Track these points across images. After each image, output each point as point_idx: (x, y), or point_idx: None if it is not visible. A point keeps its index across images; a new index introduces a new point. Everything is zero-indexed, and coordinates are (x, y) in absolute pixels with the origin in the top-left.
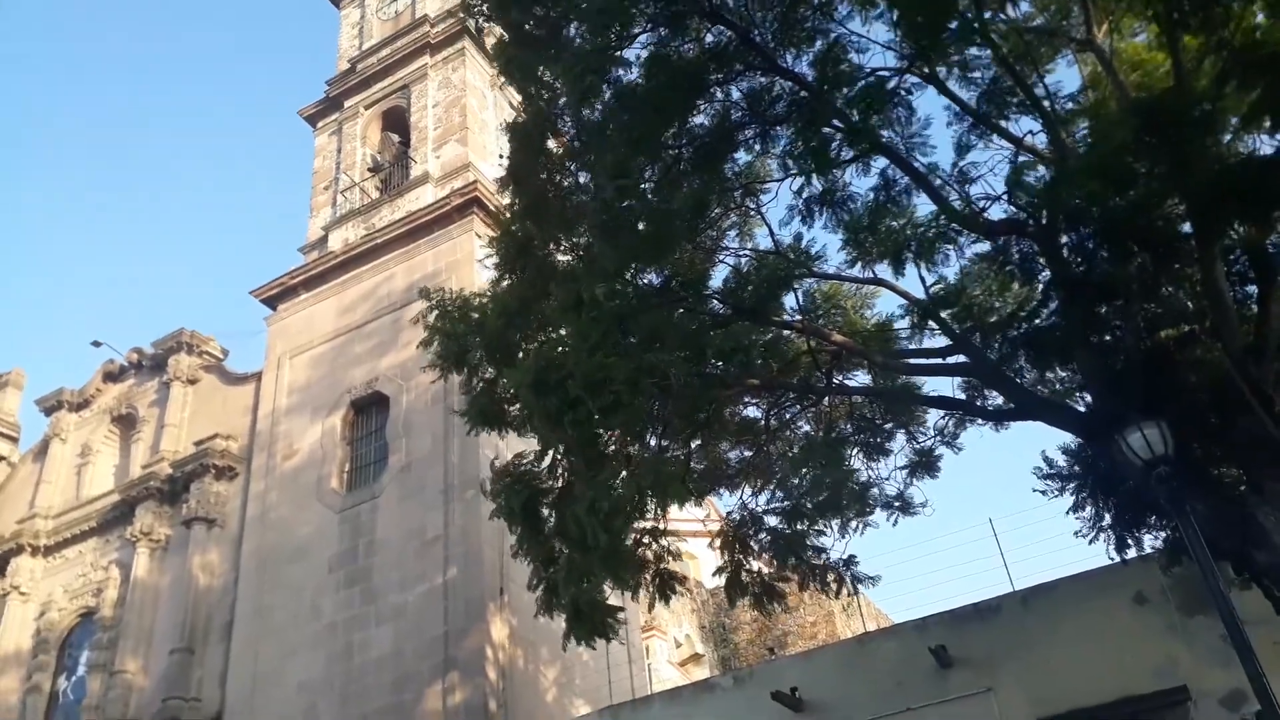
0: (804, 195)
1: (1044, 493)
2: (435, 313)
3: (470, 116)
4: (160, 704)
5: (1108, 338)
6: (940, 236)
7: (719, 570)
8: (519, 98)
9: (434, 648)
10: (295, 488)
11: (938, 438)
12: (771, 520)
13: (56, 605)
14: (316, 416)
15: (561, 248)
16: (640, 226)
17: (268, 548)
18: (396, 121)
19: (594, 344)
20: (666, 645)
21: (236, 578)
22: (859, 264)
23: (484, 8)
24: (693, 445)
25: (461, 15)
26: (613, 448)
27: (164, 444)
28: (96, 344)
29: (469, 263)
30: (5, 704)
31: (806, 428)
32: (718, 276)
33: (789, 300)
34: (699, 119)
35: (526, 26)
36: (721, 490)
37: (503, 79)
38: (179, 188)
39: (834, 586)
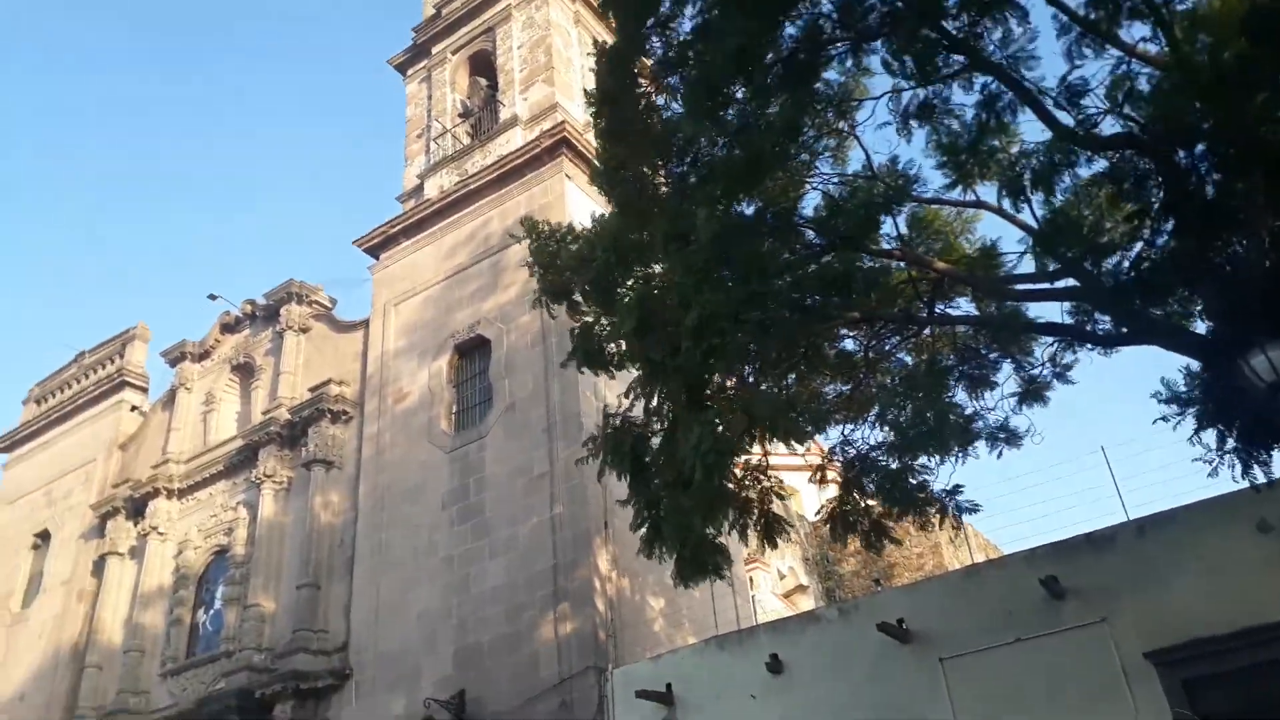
0: (901, 107)
1: (1165, 419)
2: (534, 242)
3: (555, 55)
4: (291, 635)
5: (1228, 257)
6: (1060, 165)
7: (822, 508)
8: (604, 33)
9: (544, 580)
10: (407, 429)
11: (1047, 365)
12: (874, 454)
13: (192, 544)
14: (423, 360)
15: (658, 176)
16: (733, 152)
17: (383, 487)
18: (483, 65)
19: (696, 280)
20: (770, 577)
21: (356, 516)
22: (959, 187)
23: None
24: (789, 380)
25: None
26: (709, 391)
27: (281, 390)
28: (213, 297)
29: (560, 204)
30: (152, 635)
31: (907, 359)
32: (809, 204)
33: (886, 227)
34: (788, 30)
35: None
36: (822, 426)
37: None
38: (282, 142)
39: (937, 518)
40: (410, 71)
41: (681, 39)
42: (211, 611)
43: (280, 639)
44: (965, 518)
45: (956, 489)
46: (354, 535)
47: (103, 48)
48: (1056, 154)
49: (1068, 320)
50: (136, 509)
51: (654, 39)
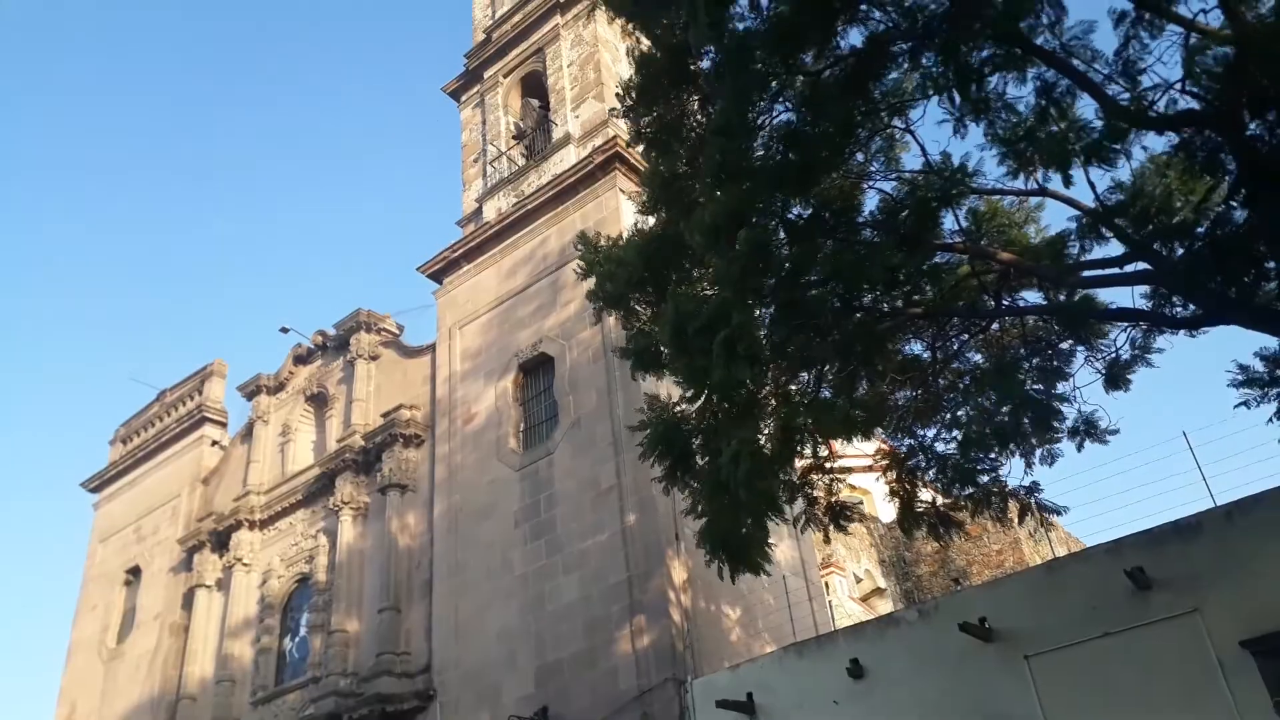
0: (954, 107)
1: (1245, 404)
2: (585, 251)
3: (605, 71)
4: (374, 658)
5: None
6: (1110, 135)
7: (890, 498)
8: (648, 43)
9: (618, 593)
10: (477, 449)
11: (1128, 347)
12: (942, 448)
13: (275, 573)
14: (489, 381)
15: (704, 183)
16: (786, 156)
17: (457, 508)
18: (535, 86)
19: (736, 284)
20: (846, 581)
21: (432, 538)
22: (1020, 175)
23: None
24: (855, 383)
25: None
26: (766, 389)
27: (354, 418)
28: (284, 330)
29: (615, 218)
30: (241, 665)
31: (976, 357)
32: (868, 204)
33: (947, 222)
34: (844, 39)
35: None
36: (891, 430)
37: (624, 19)
38: (343, 177)
39: (1016, 514)
40: (464, 97)
41: (729, 41)
42: (297, 639)
43: (364, 663)
44: (1041, 522)
45: (1035, 486)
46: (431, 557)
47: (166, 83)
48: (1107, 128)
49: (1142, 305)
50: (221, 541)
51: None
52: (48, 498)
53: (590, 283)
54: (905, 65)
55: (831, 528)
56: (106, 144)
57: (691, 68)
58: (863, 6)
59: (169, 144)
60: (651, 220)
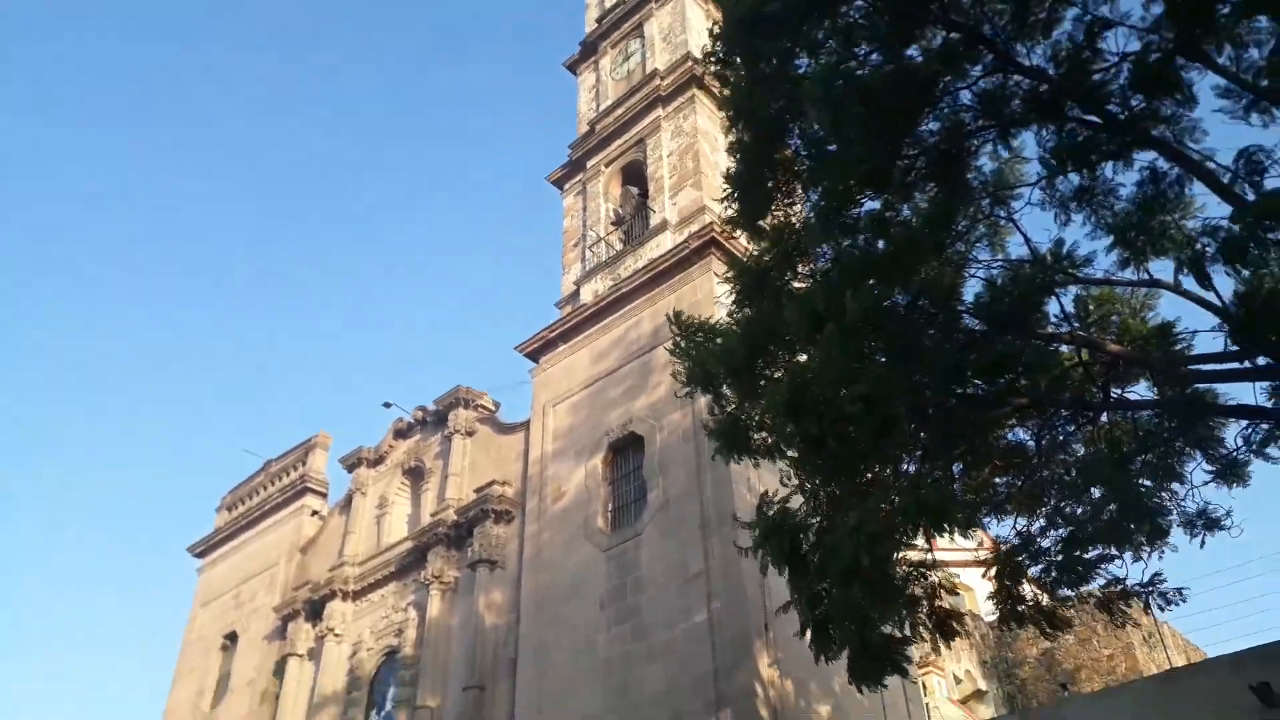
0: (1057, 194)
1: None
2: (680, 334)
3: (703, 160)
4: None
5: None
6: (1248, 238)
7: (993, 597)
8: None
9: (704, 685)
10: (565, 528)
11: (1244, 448)
12: (1048, 544)
13: (365, 645)
14: (579, 460)
15: (797, 275)
16: (882, 245)
17: (544, 587)
18: (634, 174)
19: (847, 358)
20: (945, 682)
21: (518, 617)
22: (1131, 265)
23: (718, 53)
24: (955, 471)
25: (691, 65)
26: (869, 476)
27: (449, 492)
28: (387, 405)
29: (709, 302)
30: None
31: (1083, 449)
32: (969, 292)
33: (1053, 309)
34: (930, 124)
35: (760, 65)
36: (992, 519)
37: (733, 116)
38: (451, 260)
39: (1126, 611)
40: (567, 186)
41: (813, 140)
42: (383, 713)
43: None
44: (1161, 614)
45: (1156, 577)
46: (517, 636)
47: (285, 165)
48: (1244, 228)
49: (1265, 403)
50: (315, 611)
51: (790, 137)
52: (159, 562)
53: (679, 364)
54: (1000, 153)
55: (938, 636)
56: (226, 221)
57: (785, 153)
58: (947, 101)
59: (286, 222)
60: (743, 308)
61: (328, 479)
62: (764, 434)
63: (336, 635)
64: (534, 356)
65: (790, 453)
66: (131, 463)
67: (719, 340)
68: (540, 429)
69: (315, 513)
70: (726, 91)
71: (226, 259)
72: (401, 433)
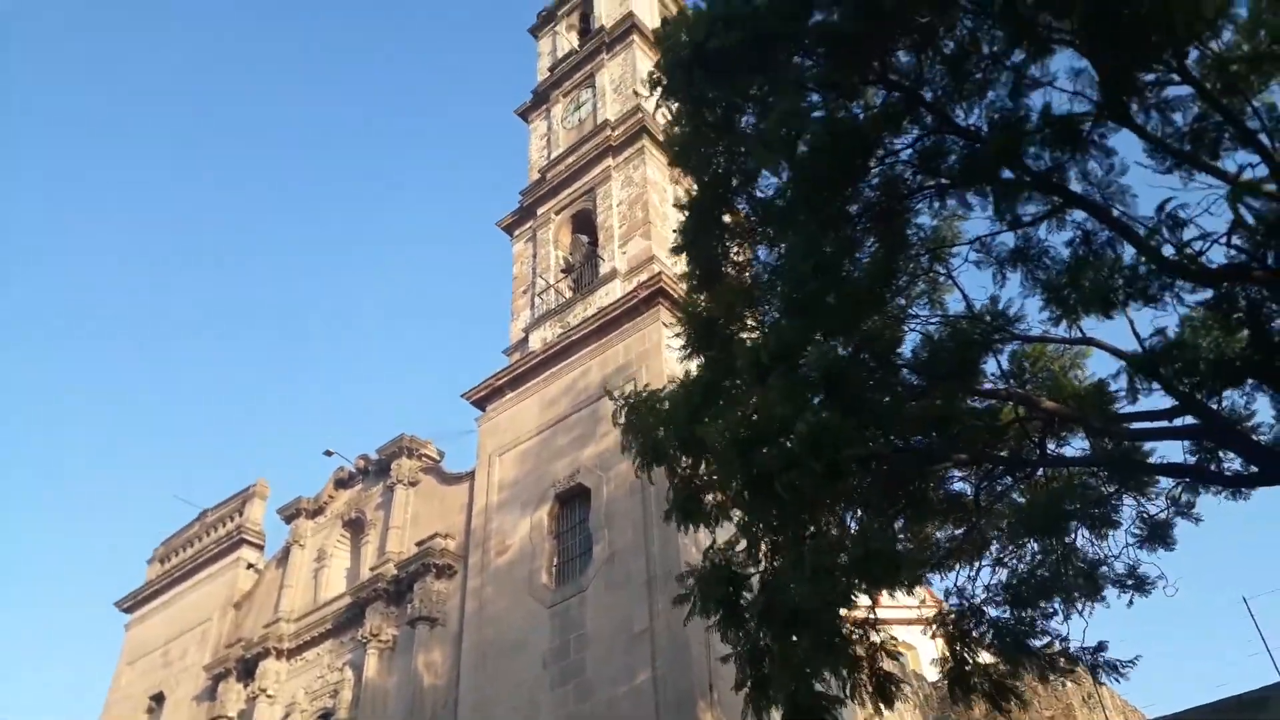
0: (993, 255)
1: None
2: (625, 409)
3: (652, 211)
4: None
5: None
6: (1151, 278)
7: (939, 662)
8: (695, 188)
9: None
10: (509, 583)
11: (1171, 508)
12: (992, 608)
13: (299, 707)
14: (525, 511)
15: (745, 325)
16: (827, 299)
17: (486, 643)
18: (584, 223)
19: (794, 403)
20: None
21: (458, 675)
22: (1063, 322)
23: (661, 89)
24: (896, 525)
25: (640, 116)
26: (813, 528)
27: (389, 545)
28: (329, 453)
29: (658, 352)
30: None
31: (1021, 501)
32: (908, 345)
33: (990, 365)
34: (871, 181)
35: (702, 110)
36: (932, 574)
37: (675, 165)
38: (393, 304)
39: (1070, 672)
40: (517, 232)
41: (763, 201)
42: None
43: None
44: (1114, 685)
45: (1102, 645)
46: (456, 696)
47: (240, 234)
48: (1150, 270)
49: (1190, 459)
50: (247, 669)
51: (739, 196)
52: (85, 617)
53: (629, 442)
54: (938, 208)
55: (878, 700)
56: (164, 261)
57: (730, 213)
58: (886, 157)
59: (227, 263)
60: (691, 366)
61: (265, 530)
62: (714, 494)
63: (269, 696)
64: (481, 404)
65: (735, 511)
66: (59, 510)
67: (664, 406)
68: (485, 479)
69: (251, 565)
70: (669, 140)
71: (163, 299)
72: (343, 482)
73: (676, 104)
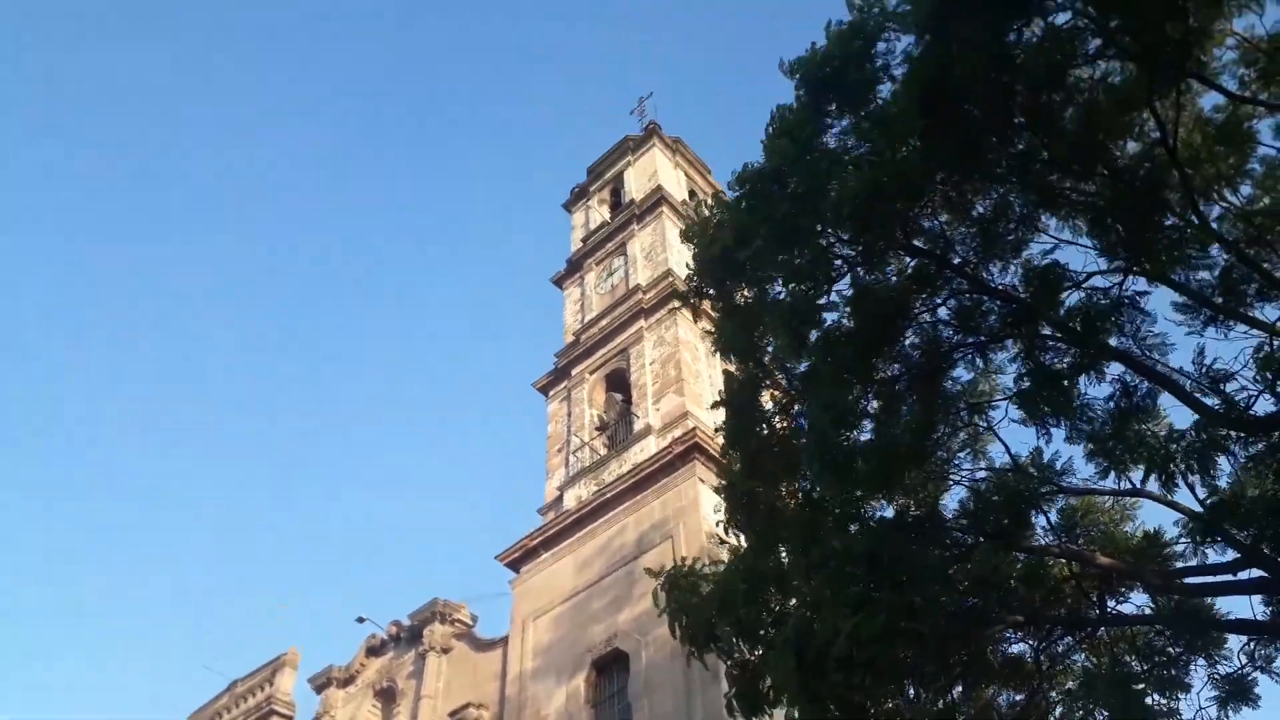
0: (1035, 409)
1: None
2: (667, 587)
3: (685, 369)
4: None
5: None
6: (1212, 445)
7: None
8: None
9: None
10: None
11: (1249, 665)
12: None
13: None
14: (561, 679)
15: (784, 494)
16: (861, 460)
17: None
18: (618, 381)
19: (851, 602)
20: None
21: None
22: (1111, 474)
23: (694, 288)
24: (954, 692)
25: (671, 280)
26: (873, 711)
27: (421, 716)
28: (361, 620)
29: (694, 509)
30: None
31: (1084, 662)
32: (952, 500)
33: (1039, 520)
34: (910, 340)
35: (735, 298)
36: None
37: (718, 354)
38: (428, 468)
39: None
40: (551, 392)
41: (799, 371)
42: None
43: None
44: None
45: None
46: None
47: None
48: (1206, 435)
49: (1261, 615)
50: None
51: (777, 373)
52: None
53: (676, 625)
54: (978, 363)
55: None
56: (186, 419)
57: (770, 394)
58: (925, 317)
59: (256, 426)
60: (730, 537)
61: (295, 701)
62: (768, 679)
63: None
64: (515, 566)
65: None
66: (86, 681)
67: (709, 589)
68: (520, 645)
69: None
70: (703, 323)
71: (189, 460)
72: (374, 650)
73: (709, 290)
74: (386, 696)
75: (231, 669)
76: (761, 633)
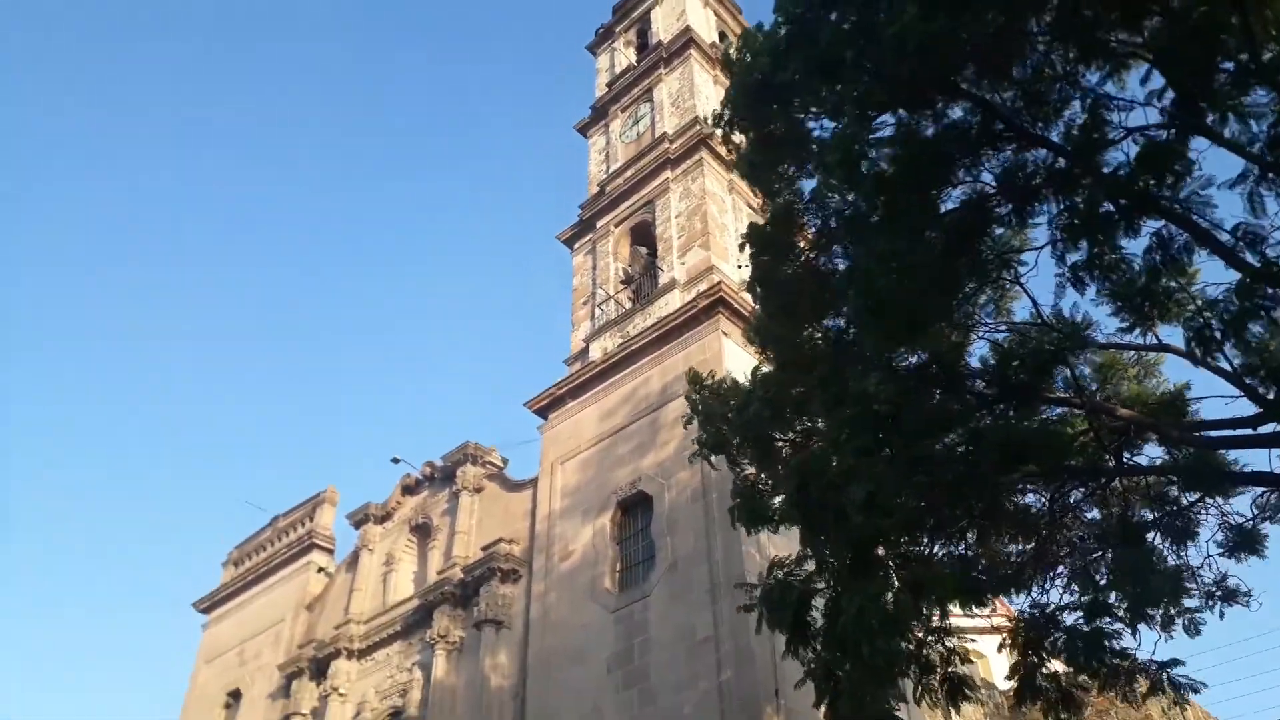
0: (1070, 264)
1: None
2: (696, 396)
3: (711, 222)
4: None
5: None
6: (1250, 311)
7: (1011, 673)
8: (757, 200)
9: None
10: (572, 588)
11: (1258, 516)
12: (1068, 617)
13: (370, 705)
14: (587, 518)
15: (815, 335)
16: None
17: (550, 649)
18: (643, 234)
19: (859, 446)
20: None
21: (524, 679)
22: (1137, 330)
23: (728, 117)
24: (968, 540)
25: (699, 128)
26: (882, 550)
27: (455, 550)
28: (395, 460)
29: (718, 361)
30: None
31: (1095, 514)
32: (975, 355)
33: (1062, 375)
34: (952, 198)
35: (770, 128)
36: (1006, 590)
37: (745, 181)
38: (457, 314)
39: (1144, 690)
40: (577, 245)
41: (843, 208)
42: None
43: None
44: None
45: (1173, 662)
46: (523, 696)
47: (296, 232)
48: (1247, 298)
49: (1279, 468)
50: (319, 669)
51: (808, 212)
52: (164, 617)
53: (694, 426)
54: (1014, 223)
55: (949, 705)
56: (232, 274)
57: (800, 234)
58: (962, 172)
59: (294, 275)
60: (757, 367)
61: (335, 535)
62: (778, 500)
63: (341, 695)
64: (543, 413)
65: (802, 533)
66: (137, 516)
67: (733, 402)
68: (548, 486)
69: (322, 569)
70: (733, 157)
71: (233, 311)
72: (409, 489)
73: (743, 121)
74: (422, 532)
75: (273, 506)
76: (773, 448)
